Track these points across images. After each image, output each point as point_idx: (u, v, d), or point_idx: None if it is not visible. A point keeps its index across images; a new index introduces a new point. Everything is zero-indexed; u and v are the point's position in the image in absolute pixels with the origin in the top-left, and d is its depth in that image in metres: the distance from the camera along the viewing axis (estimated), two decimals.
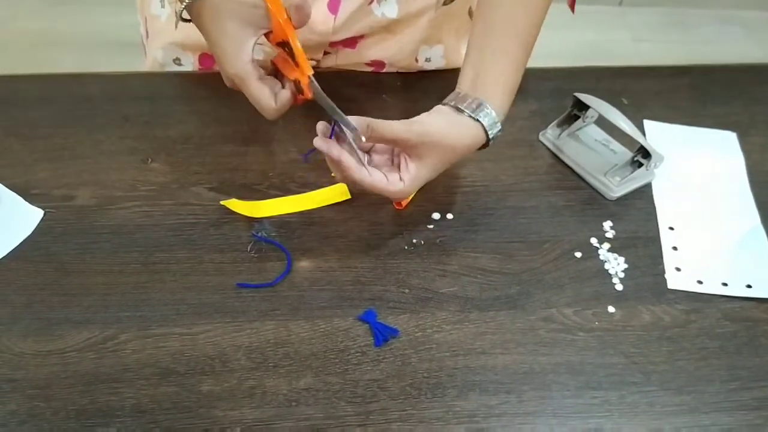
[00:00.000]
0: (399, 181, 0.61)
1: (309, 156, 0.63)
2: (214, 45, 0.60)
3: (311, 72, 0.59)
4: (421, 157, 0.62)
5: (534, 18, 0.66)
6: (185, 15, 0.61)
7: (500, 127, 0.65)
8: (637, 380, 0.60)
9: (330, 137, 0.59)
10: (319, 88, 0.60)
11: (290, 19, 0.58)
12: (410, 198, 0.70)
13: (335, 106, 0.59)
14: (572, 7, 0.76)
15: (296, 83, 0.60)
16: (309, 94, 0.60)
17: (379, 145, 0.64)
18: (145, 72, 0.87)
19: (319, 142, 0.58)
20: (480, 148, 0.66)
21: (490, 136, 0.64)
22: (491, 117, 0.63)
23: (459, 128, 0.63)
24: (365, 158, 0.62)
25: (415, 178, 0.62)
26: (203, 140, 0.76)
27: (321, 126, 0.60)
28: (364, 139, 0.58)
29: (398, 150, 0.63)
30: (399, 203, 0.70)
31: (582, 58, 2.03)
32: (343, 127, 0.59)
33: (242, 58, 0.59)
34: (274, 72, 0.63)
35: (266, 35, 0.60)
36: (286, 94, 0.61)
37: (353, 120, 0.58)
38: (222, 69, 0.60)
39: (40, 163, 0.73)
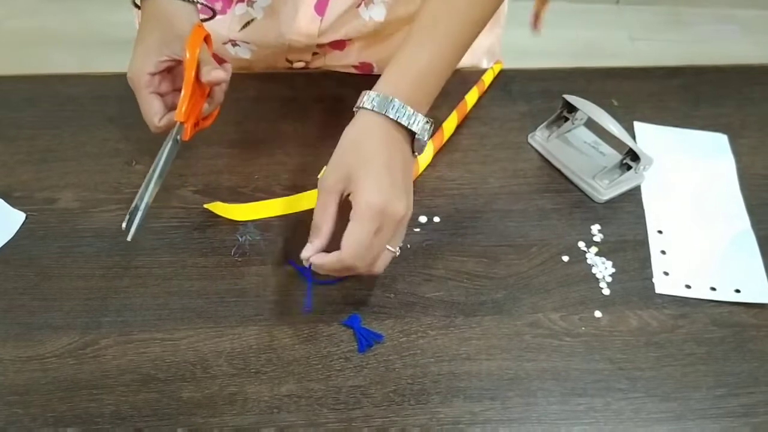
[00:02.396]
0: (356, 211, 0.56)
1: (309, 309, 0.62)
2: (136, 41, 0.63)
3: (182, 120, 0.62)
4: (355, 182, 0.57)
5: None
6: (138, 2, 0.64)
7: (386, 97, 0.59)
8: (623, 387, 0.59)
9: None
10: (174, 142, 0.62)
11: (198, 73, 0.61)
12: None
13: (159, 167, 0.61)
14: (534, 25, 0.76)
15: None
16: (186, 137, 0.63)
17: None
18: None
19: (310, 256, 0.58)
20: (414, 142, 0.61)
21: (376, 109, 0.59)
22: (370, 96, 0.60)
23: (350, 126, 0.61)
24: None
25: (366, 202, 0.56)
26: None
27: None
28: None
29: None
30: None
31: (578, 57, 2.02)
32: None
33: (145, 67, 0.61)
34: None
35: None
36: (170, 117, 0.63)
37: (307, 251, 0.58)
38: (128, 68, 0.62)
39: (24, 165, 0.73)
